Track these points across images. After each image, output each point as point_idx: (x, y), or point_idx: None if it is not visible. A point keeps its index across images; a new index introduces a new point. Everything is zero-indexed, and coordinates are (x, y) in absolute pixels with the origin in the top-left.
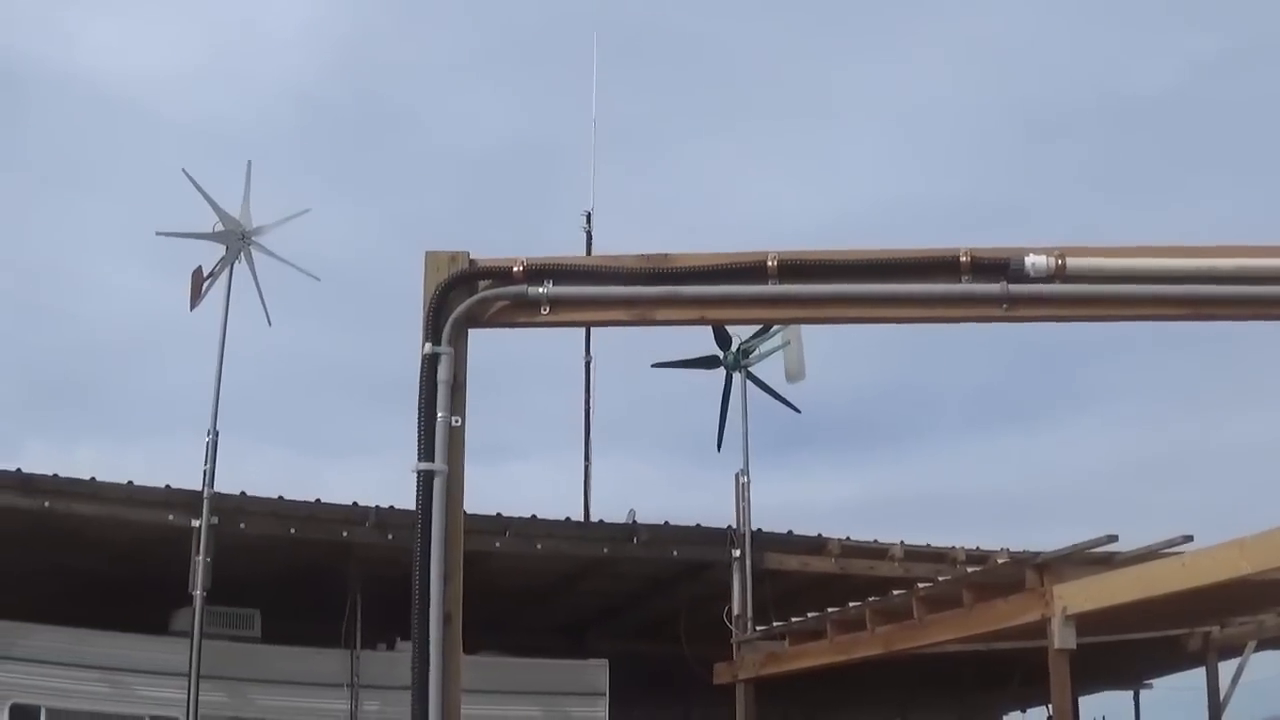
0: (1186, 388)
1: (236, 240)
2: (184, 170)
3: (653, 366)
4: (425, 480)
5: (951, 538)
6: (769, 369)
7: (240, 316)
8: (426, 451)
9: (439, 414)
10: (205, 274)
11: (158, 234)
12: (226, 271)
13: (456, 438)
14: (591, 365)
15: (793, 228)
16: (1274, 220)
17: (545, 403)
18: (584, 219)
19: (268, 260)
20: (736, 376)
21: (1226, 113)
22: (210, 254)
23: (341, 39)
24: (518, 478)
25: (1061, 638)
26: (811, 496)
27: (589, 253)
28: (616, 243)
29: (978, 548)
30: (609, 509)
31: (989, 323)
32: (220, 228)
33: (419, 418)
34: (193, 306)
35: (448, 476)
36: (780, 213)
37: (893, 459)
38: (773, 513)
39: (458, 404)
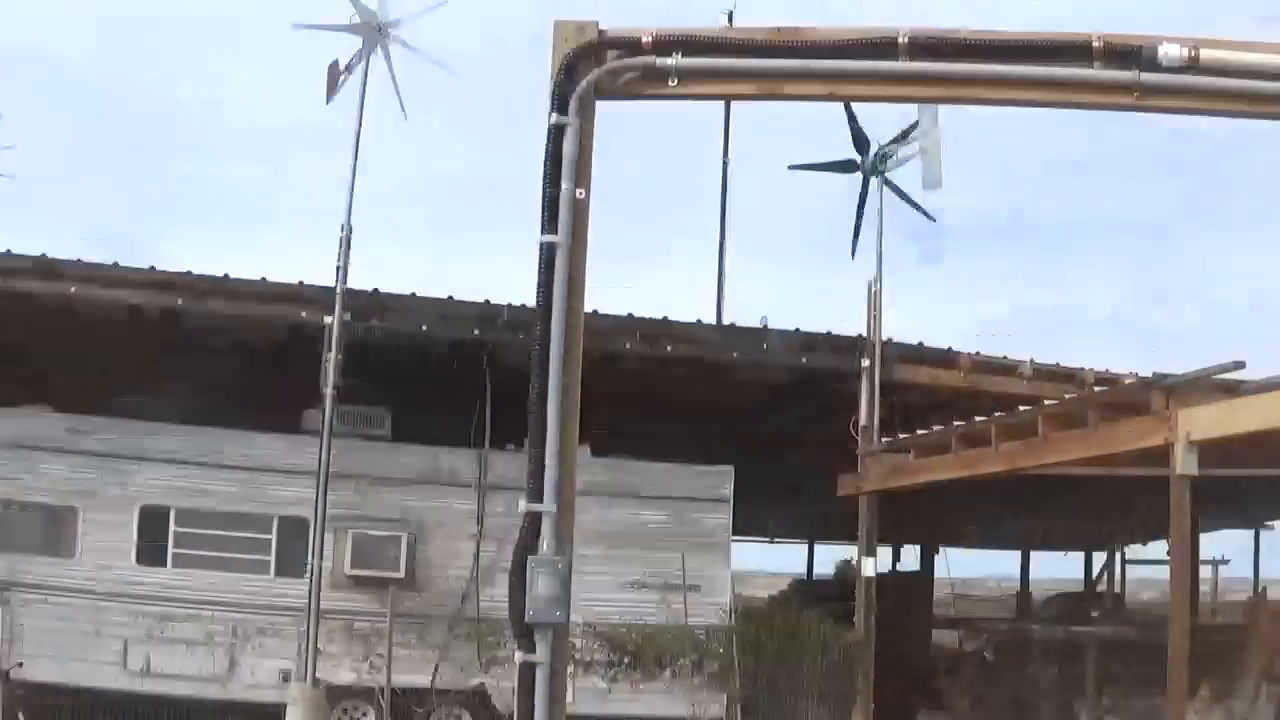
0: None
1: (373, 32)
2: None
3: (790, 168)
4: (548, 253)
5: (1092, 360)
6: (906, 176)
7: (375, 113)
8: (550, 224)
9: (564, 185)
10: (341, 67)
11: (294, 27)
12: (362, 65)
13: (581, 210)
14: (728, 168)
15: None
16: None
17: (687, 209)
18: (725, 19)
19: (403, 53)
20: (873, 181)
21: None
22: (347, 46)
23: None
24: (657, 283)
25: (1184, 463)
26: (949, 312)
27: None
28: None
29: (1108, 370)
30: (743, 314)
31: (1118, 110)
32: (357, 19)
33: (543, 189)
34: (329, 100)
35: (570, 250)
36: None
37: (1029, 275)
38: (903, 326)
39: (583, 176)
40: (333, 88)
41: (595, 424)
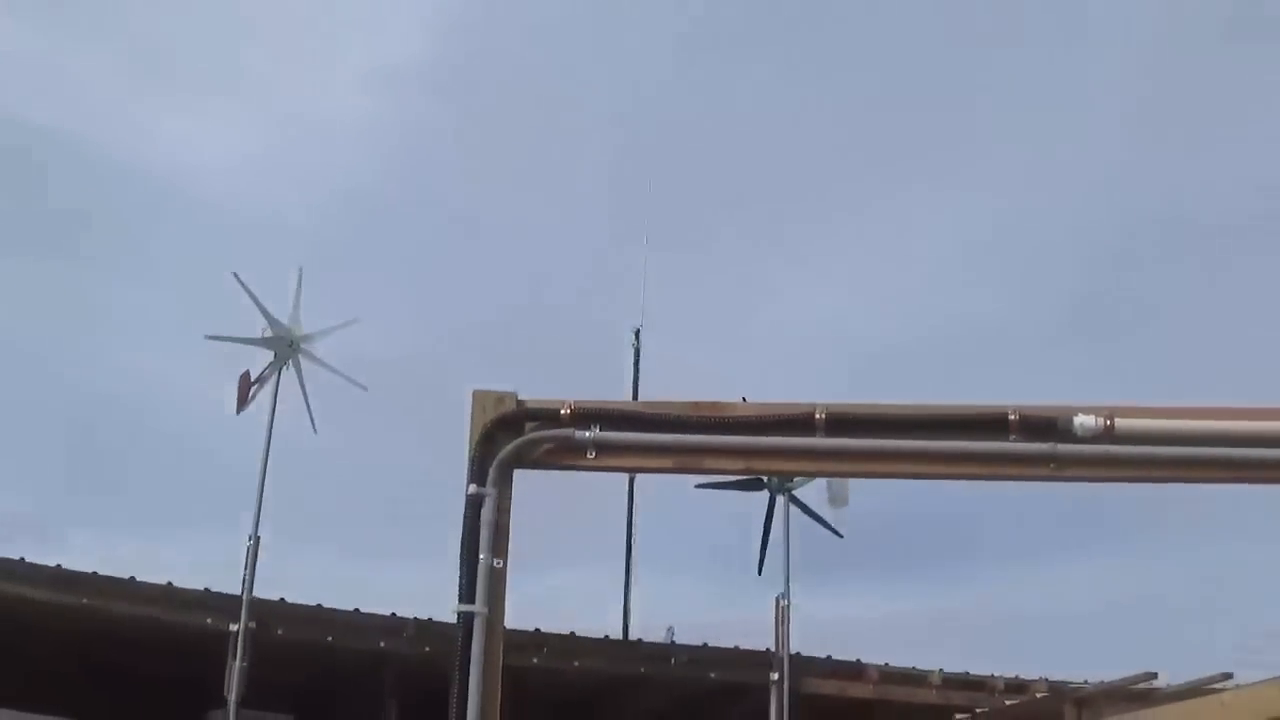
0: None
1: (285, 347)
2: (234, 274)
3: (696, 487)
4: (465, 622)
5: (1000, 665)
6: (813, 493)
7: (288, 417)
8: (467, 593)
9: (481, 555)
10: (253, 379)
11: (207, 338)
12: (274, 376)
13: (498, 580)
14: (634, 480)
15: (857, 347)
16: None
17: (592, 511)
18: (633, 335)
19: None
20: (780, 499)
21: None
22: (261, 356)
23: (399, 139)
24: (561, 586)
25: None
26: (854, 618)
27: (637, 369)
28: (667, 357)
29: (1017, 677)
30: (649, 622)
31: (1037, 481)
32: (269, 333)
33: (461, 558)
34: (239, 410)
35: (488, 619)
36: (845, 331)
37: (936, 582)
38: (813, 634)
39: (500, 546)
40: (243, 399)
41: None
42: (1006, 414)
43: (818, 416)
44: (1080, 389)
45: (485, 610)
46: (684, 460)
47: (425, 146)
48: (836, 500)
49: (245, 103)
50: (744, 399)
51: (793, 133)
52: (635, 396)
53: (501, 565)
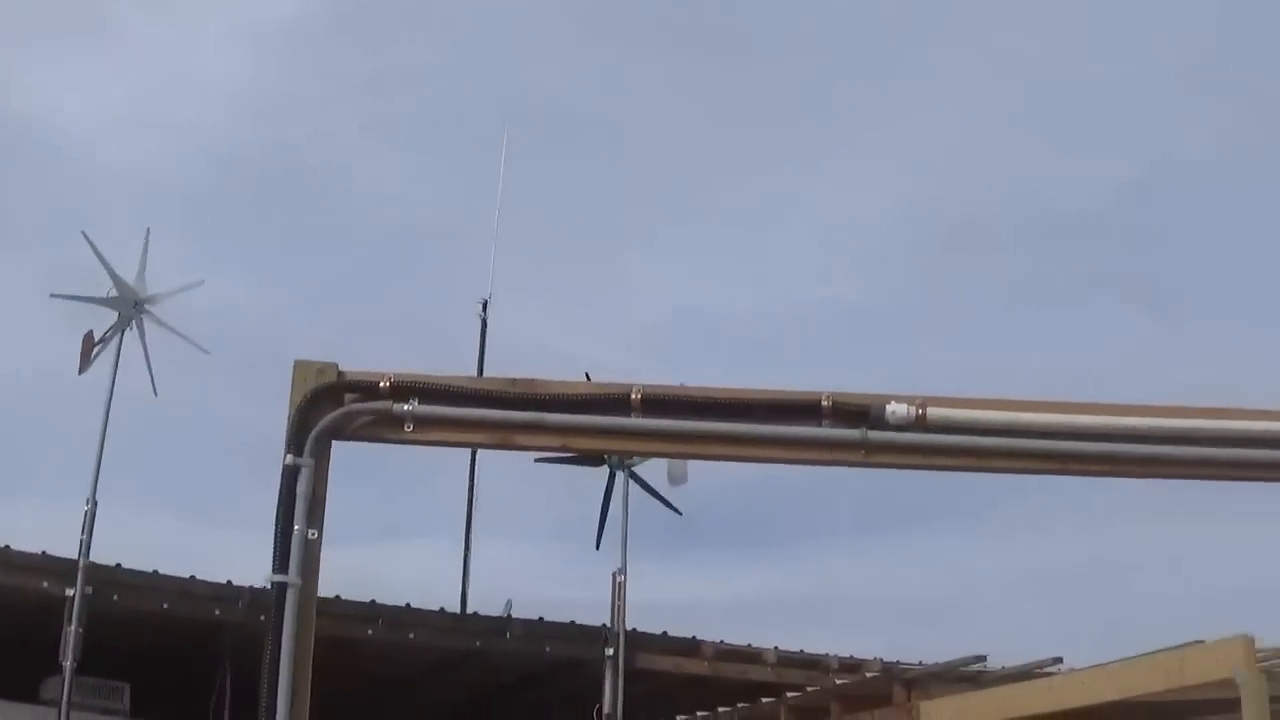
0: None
1: (129, 308)
2: (83, 233)
3: (536, 461)
4: (278, 592)
5: (838, 642)
6: (653, 469)
7: (130, 379)
8: (281, 563)
9: (296, 526)
10: (96, 339)
11: (52, 296)
12: (117, 338)
13: (312, 551)
14: (476, 452)
15: (713, 327)
16: (1173, 350)
17: (438, 482)
18: (480, 307)
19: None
20: (619, 475)
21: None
22: (106, 316)
23: (266, 99)
24: (407, 556)
25: None
26: (693, 596)
27: (484, 342)
28: (514, 332)
29: (851, 656)
30: (491, 594)
31: (847, 466)
32: (114, 293)
33: (276, 528)
34: (81, 370)
35: (301, 590)
36: (701, 312)
37: (778, 560)
38: (652, 611)
39: (316, 517)
40: (86, 359)
41: (337, 707)
42: (820, 400)
43: (634, 397)
44: (931, 376)
45: (299, 581)
46: (500, 436)
47: (291, 107)
48: (675, 478)
49: (111, 55)
50: (587, 376)
51: (659, 119)
52: (481, 370)
53: (316, 536)
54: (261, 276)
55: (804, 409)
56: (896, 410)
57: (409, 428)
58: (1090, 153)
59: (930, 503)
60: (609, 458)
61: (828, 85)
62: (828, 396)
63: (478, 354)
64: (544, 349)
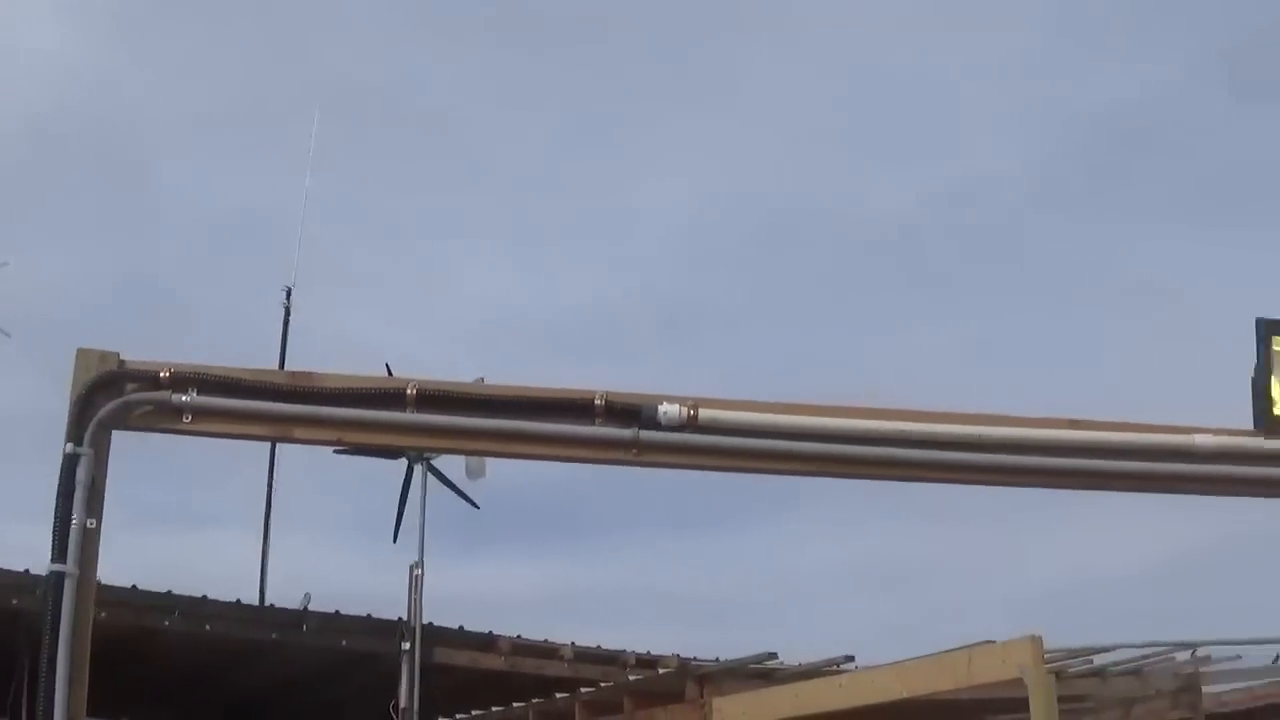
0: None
1: None
2: None
3: (335, 452)
4: (55, 581)
5: (639, 639)
6: (452, 462)
7: None
8: (59, 553)
9: (74, 517)
10: None
11: None
12: None
13: (91, 541)
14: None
15: (517, 318)
16: (978, 354)
17: (239, 472)
18: (284, 295)
19: None
20: (418, 468)
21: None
22: None
23: (88, 74)
24: (209, 546)
25: None
26: (493, 591)
27: (286, 329)
28: (317, 319)
29: (649, 653)
30: (292, 586)
31: (618, 465)
32: None
33: (54, 517)
34: None
35: (79, 581)
36: (506, 303)
37: (582, 555)
38: (451, 606)
39: (95, 507)
40: None
41: (135, 700)
42: (593, 399)
43: (409, 392)
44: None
45: (75, 571)
46: (277, 429)
47: (112, 85)
48: (473, 471)
49: None
50: (389, 370)
51: (478, 110)
52: (283, 360)
53: (95, 526)
54: (70, 260)
55: (577, 407)
56: (668, 411)
57: (188, 419)
58: (908, 156)
59: (738, 500)
60: (407, 450)
61: (646, 79)
62: (601, 395)
63: (280, 345)
64: (356, 343)
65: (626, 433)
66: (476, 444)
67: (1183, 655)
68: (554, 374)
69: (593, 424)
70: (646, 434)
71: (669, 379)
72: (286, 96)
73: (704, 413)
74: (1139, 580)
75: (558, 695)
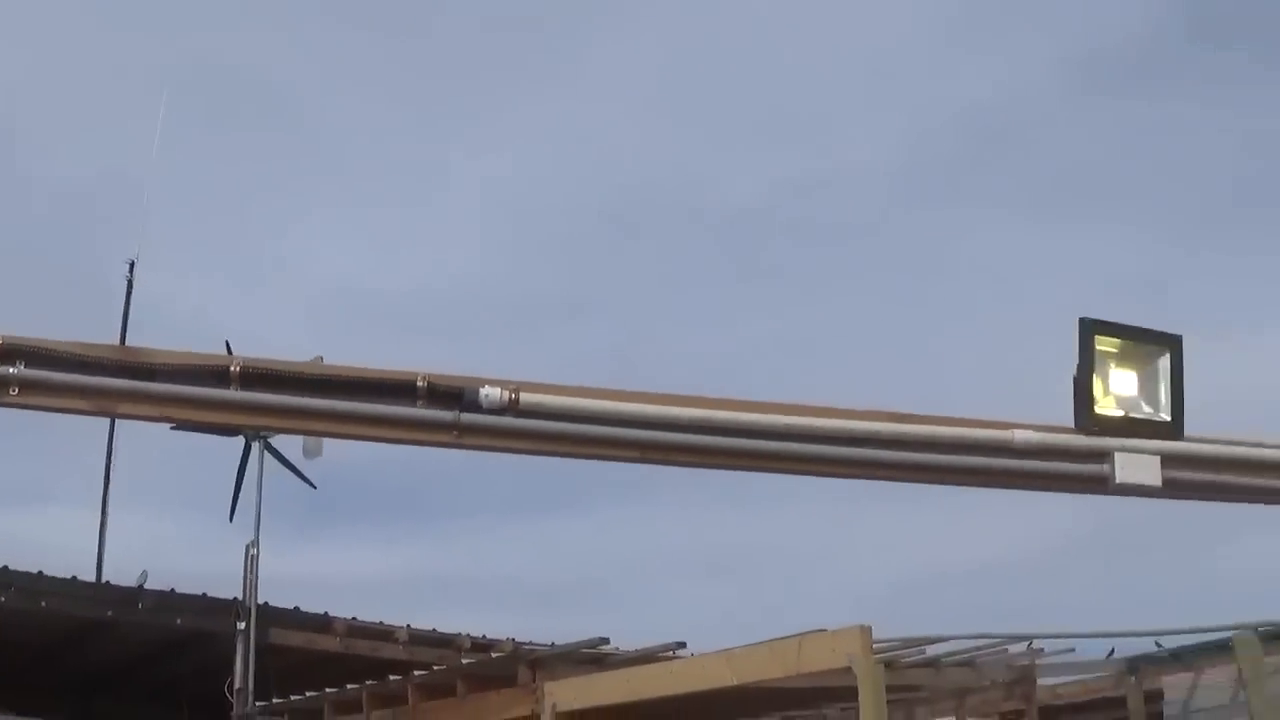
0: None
1: None
2: None
3: (171, 428)
4: None
5: (479, 622)
6: (290, 440)
7: None
8: None
9: None
10: None
11: None
12: None
13: None
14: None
15: (362, 298)
16: (815, 346)
17: (80, 446)
18: (128, 268)
19: None
20: (255, 446)
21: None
22: None
23: None
24: (47, 522)
25: None
26: (332, 571)
27: (129, 300)
28: (162, 293)
29: (484, 636)
30: (129, 563)
31: (440, 447)
32: None
33: None
34: None
35: None
36: (352, 283)
37: (424, 537)
38: (289, 586)
39: None
40: None
41: None
42: (416, 380)
43: (233, 369)
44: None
45: None
46: (103, 404)
47: None
48: (310, 450)
49: None
50: (227, 346)
51: (328, 91)
52: (124, 334)
53: None
54: None
55: (400, 388)
56: (490, 394)
57: (14, 391)
58: (753, 147)
59: (579, 486)
60: (244, 428)
61: (498, 65)
62: (423, 377)
63: (122, 318)
64: (204, 319)
65: (447, 415)
66: (298, 423)
67: (1017, 648)
68: (397, 354)
69: (415, 405)
70: (468, 416)
71: (505, 362)
72: (139, 71)
73: (525, 396)
74: (980, 574)
75: (391, 678)
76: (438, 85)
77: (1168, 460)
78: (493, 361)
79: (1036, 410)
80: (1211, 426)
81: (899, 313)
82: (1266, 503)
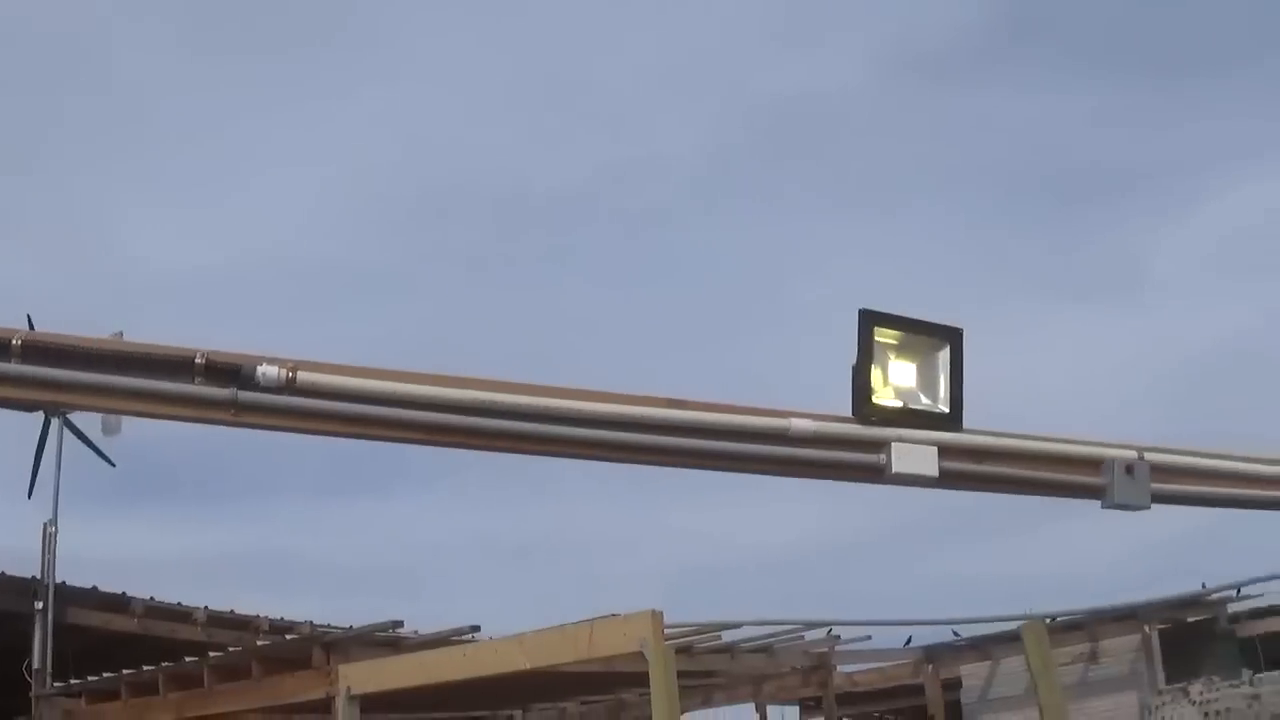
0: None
1: None
2: None
3: None
4: None
5: (280, 604)
6: (90, 419)
7: None
8: None
9: None
10: None
11: None
12: None
13: None
14: None
15: (179, 274)
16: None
17: None
18: None
19: None
20: (54, 422)
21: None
22: None
23: None
24: None
25: (345, 716)
26: (132, 551)
27: None
28: None
29: (282, 618)
30: None
31: (217, 425)
32: None
33: None
34: None
35: None
36: (168, 258)
37: (226, 518)
38: (88, 565)
39: None
40: None
41: None
42: (194, 356)
43: (14, 343)
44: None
45: None
46: None
47: None
48: (109, 427)
49: None
50: (29, 320)
51: (143, 64)
52: None
53: None
54: None
55: (179, 365)
56: (267, 371)
57: None
58: (570, 135)
59: (383, 469)
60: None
61: (319, 46)
62: (202, 354)
63: None
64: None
65: (224, 392)
66: (76, 397)
67: (815, 635)
68: (203, 332)
69: (192, 382)
70: (245, 394)
71: (317, 342)
72: None
73: (303, 375)
74: (781, 561)
75: (187, 659)
76: (258, 66)
77: (945, 451)
78: (303, 341)
79: (838, 399)
80: (1004, 419)
81: (711, 298)
82: (1041, 494)
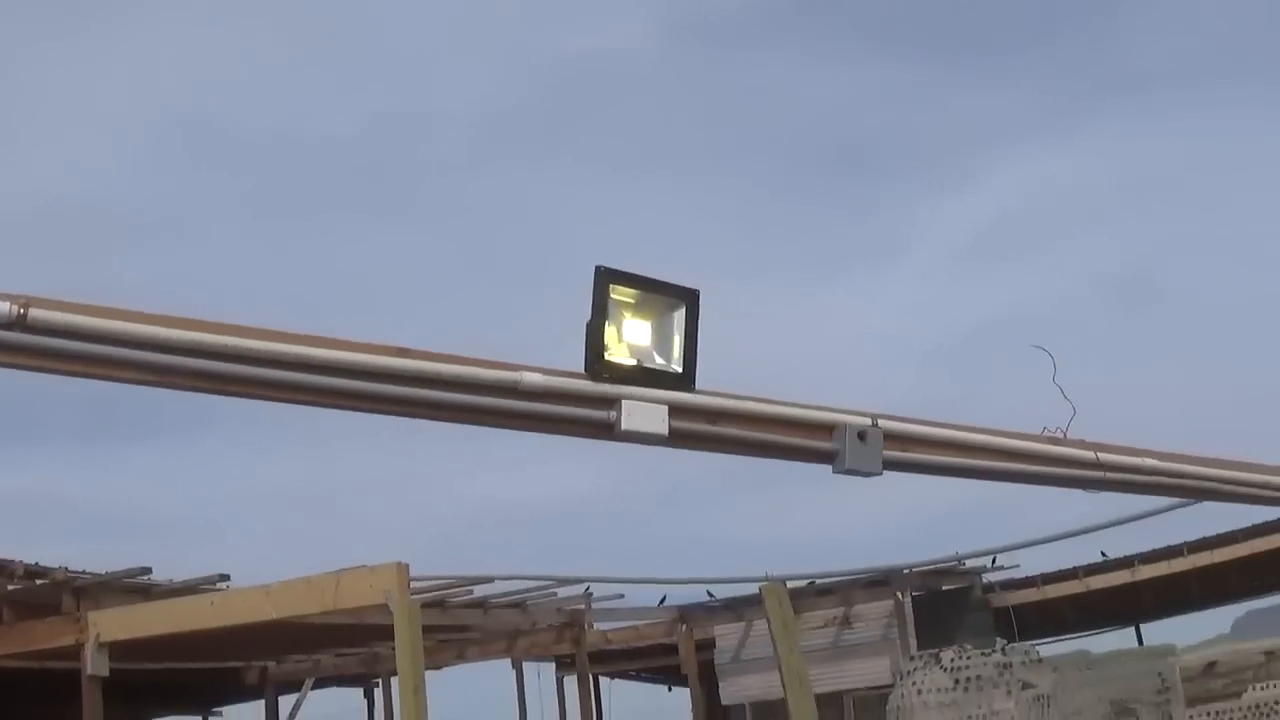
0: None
1: None
2: None
3: None
4: None
5: (42, 549)
6: None
7: None
8: None
9: None
10: None
11: None
12: None
13: None
14: None
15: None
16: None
17: None
18: None
19: None
20: None
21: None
22: None
23: None
24: None
25: (94, 664)
26: None
27: None
28: None
29: (38, 563)
30: None
31: None
32: None
33: None
34: None
35: None
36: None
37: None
38: None
39: None
40: None
41: None
42: None
43: None
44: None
45: None
46: None
47: None
48: None
49: None
50: None
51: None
52: None
53: None
54: None
55: None
56: None
57: None
58: (348, 85)
59: (154, 415)
60: None
61: None
62: None
63: None
64: None
65: None
66: None
67: (569, 591)
68: None
69: None
70: None
71: (84, 282)
72: None
73: (34, 312)
74: (548, 518)
75: None
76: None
77: (677, 411)
78: (71, 286)
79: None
80: (755, 384)
81: (480, 254)
82: (773, 457)
